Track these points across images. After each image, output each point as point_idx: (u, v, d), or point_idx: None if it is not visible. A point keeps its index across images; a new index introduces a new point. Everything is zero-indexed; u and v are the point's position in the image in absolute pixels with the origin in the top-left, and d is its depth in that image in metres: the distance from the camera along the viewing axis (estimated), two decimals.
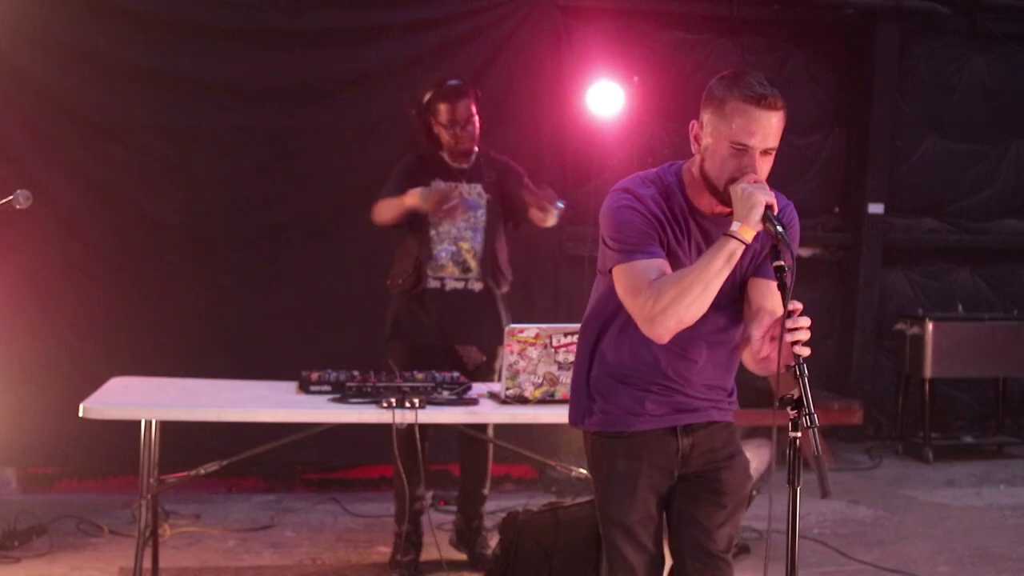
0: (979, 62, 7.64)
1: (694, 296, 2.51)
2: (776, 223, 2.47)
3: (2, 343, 5.51)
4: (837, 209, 7.67)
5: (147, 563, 4.18)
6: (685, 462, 2.80)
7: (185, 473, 4.21)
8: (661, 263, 2.60)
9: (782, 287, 2.45)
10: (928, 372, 7.08)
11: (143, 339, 5.72)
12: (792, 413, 2.38)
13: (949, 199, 7.77)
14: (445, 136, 4.61)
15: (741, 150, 2.54)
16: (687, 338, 2.66)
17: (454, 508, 5.12)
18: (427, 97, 4.64)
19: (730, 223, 2.57)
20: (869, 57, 7.39)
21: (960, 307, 7.43)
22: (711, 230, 2.67)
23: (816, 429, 2.34)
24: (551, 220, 4.65)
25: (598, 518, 2.85)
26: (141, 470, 3.96)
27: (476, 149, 4.66)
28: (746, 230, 2.50)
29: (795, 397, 2.38)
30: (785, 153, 8.96)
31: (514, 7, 6.19)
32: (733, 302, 2.72)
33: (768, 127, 2.54)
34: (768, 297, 2.67)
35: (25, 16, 5.58)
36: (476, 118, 4.63)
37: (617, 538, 2.78)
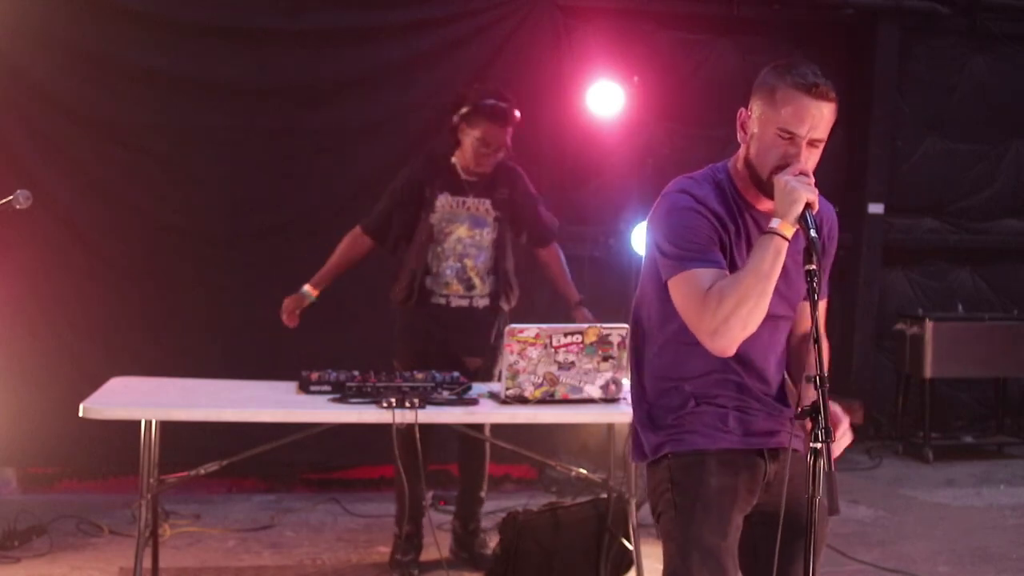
0: (979, 62, 7.64)
1: (754, 300, 2.39)
2: (811, 225, 2.40)
3: (2, 343, 5.51)
4: (837, 209, 7.62)
5: (147, 563, 4.18)
6: (768, 488, 2.63)
7: (185, 473, 4.21)
8: (719, 271, 2.47)
9: (811, 293, 2.37)
10: (928, 372, 7.08)
11: (143, 339, 5.72)
12: (810, 424, 2.34)
13: (949, 199, 7.77)
14: (469, 151, 4.51)
15: (788, 138, 2.46)
16: (753, 347, 2.56)
17: (454, 508, 5.12)
18: (470, 107, 4.49)
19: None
20: (869, 57, 7.39)
21: (960, 307, 7.43)
22: (764, 226, 2.55)
23: (829, 444, 2.31)
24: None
25: (671, 547, 2.57)
26: (141, 470, 3.96)
27: (489, 172, 4.58)
28: (786, 226, 2.41)
29: (811, 406, 2.35)
30: None
31: (514, 7, 6.19)
32: (789, 311, 2.65)
33: (818, 117, 2.45)
34: (803, 317, 2.65)
35: (25, 16, 5.58)
36: (508, 147, 4.55)
37: (694, 564, 2.51)
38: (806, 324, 2.65)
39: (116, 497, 5.48)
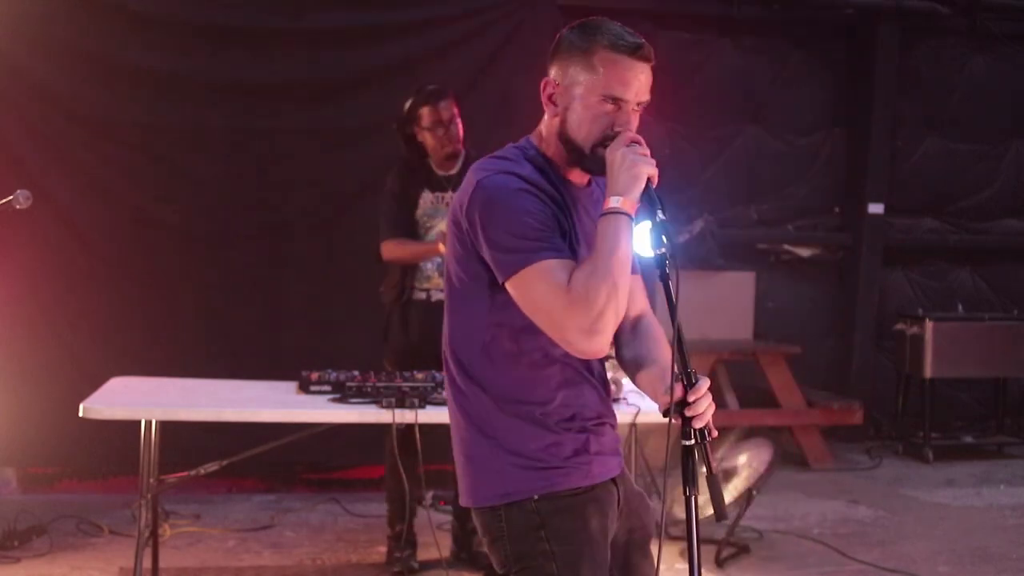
0: (979, 62, 7.64)
1: (621, 287, 2.06)
2: (657, 203, 2.12)
3: (2, 343, 5.51)
4: (837, 209, 7.67)
5: (147, 563, 4.18)
6: (620, 515, 2.34)
7: (185, 473, 4.21)
8: (570, 261, 2.12)
9: (664, 279, 2.08)
10: (928, 372, 7.08)
11: (143, 339, 5.72)
12: (677, 419, 2.08)
13: (949, 199, 7.78)
14: (430, 141, 4.60)
15: (614, 104, 2.20)
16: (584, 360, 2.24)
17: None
18: (407, 105, 4.64)
19: (595, 196, 2.26)
20: (869, 57, 7.39)
21: (960, 307, 7.43)
22: (586, 204, 2.31)
23: (708, 445, 2.08)
24: None
25: None
26: (141, 470, 3.96)
27: (462, 150, 4.64)
28: (628, 203, 2.10)
29: (678, 403, 2.07)
30: (785, 153, 9.04)
31: (514, 7, 6.19)
32: None
33: (644, 79, 2.21)
34: (636, 299, 2.35)
35: (25, 16, 5.58)
36: (459, 119, 4.62)
37: None
38: (635, 307, 2.37)
39: (116, 497, 5.48)
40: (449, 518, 5.05)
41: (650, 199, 2.13)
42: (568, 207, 2.24)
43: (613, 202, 2.12)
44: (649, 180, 2.14)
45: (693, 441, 2.08)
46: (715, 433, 2.11)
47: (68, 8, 5.68)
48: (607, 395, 2.35)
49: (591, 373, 2.30)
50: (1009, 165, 7.81)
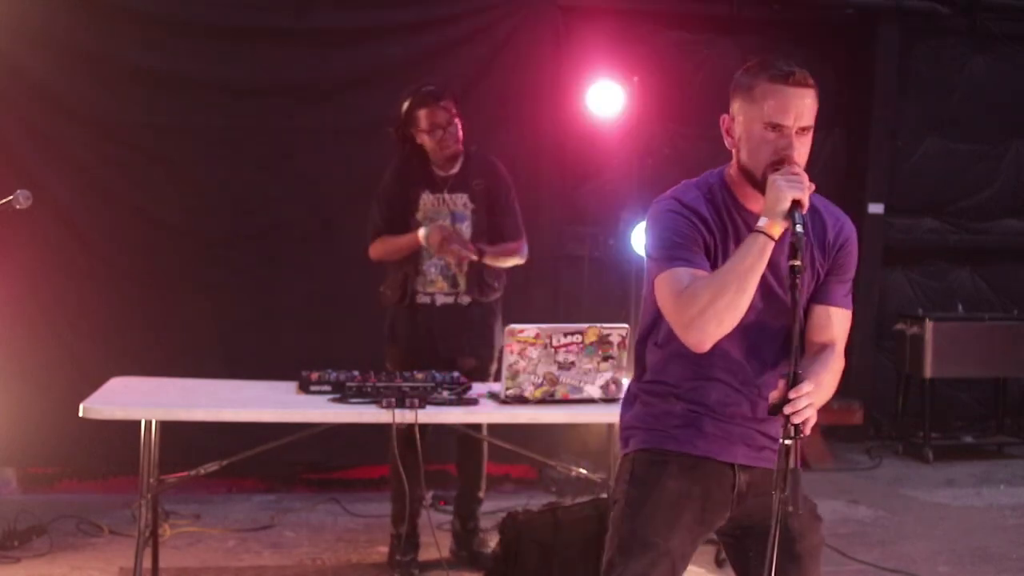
0: (979, 62, 7.64)
1: (731, 295, 2.37)
2: (798, 221, 2.36)
3: (2, 343, 5.51)
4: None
5: (147, 563, 4.18)
6: (740, 502, 2.61)
7: (185, 473, 4.21)
8: (700, 271, 2.46)
9: (792, 289, 2.34)
10: (928, 372, 7.08)
11: (143, 339, 5.71)
12: (782, 418, 2.29)
13: (949, 199, 7.77)
14: (428, 143, 4.55)
15: (776, 131, 2.45)
16: (749, 359, 2.56)
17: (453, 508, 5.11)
18: (404, 107, 4.57)
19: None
20: (869, 57, 7.39)
21: (960, 307, 7.43)
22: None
23: (797, 441, 2.27)
24: (516, 263, 4.71)
25: (614, 537, 2.57)
26: (141, 470, 3.96)
27: (461, 149, 4.61)
28: (772, 225, 2.38)
29: (780, 402, 2.29)
30: None
31: (514, 7, 6.19)
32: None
33: (801, 105, 2.45)
34: (827, 330, 2.61)
35: (25, 16, 5.58)
36: (457, 119, 4.57)
37: (632, 558, 2.50)
38: (825, 335, 2.63)
39: (116, 497, 5.47)
40: (449, 518, 5.05)
41: (792, 219, 2.36)
42: (731, 229, 2.54)
43: (760, 222, 2.41)
44: (797, 203, 2.37)
45: (791, 440, 2.27)
46: (806, 432, 2.29)
47: (68, 8, 5.68)
48: (757, 397, 2.57)
49: (730, 373, 2.57)
50: (1009, 165, 7.81)
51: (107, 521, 5.24)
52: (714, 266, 2.49)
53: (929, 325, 7.06)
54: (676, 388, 2.61)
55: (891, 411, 7.51)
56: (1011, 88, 7.66)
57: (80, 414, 3.79)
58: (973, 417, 7.75)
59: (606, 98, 6.00)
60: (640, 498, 2.56)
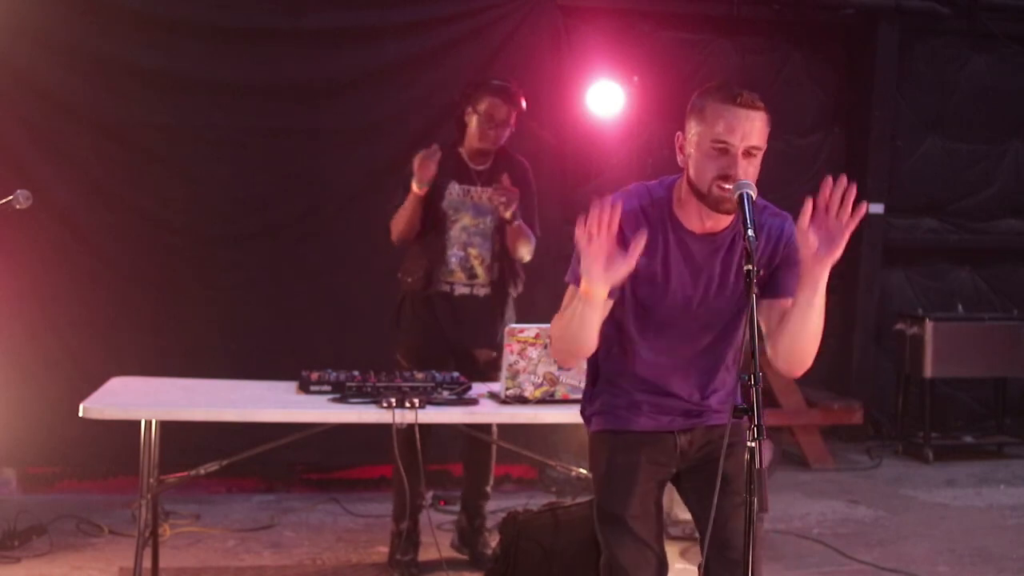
0: (979, 62, 7.64)
1: (566, 344, 2.65)
2: (749, 227, 2.44)
3: (2, 343, 5.51)
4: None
5: (147, 563, 4.19)
6: (684, 458, 2.85)
7: (185, 473, 4.21)
8: None
9: (748, 289, 2.40)
10: (928, 372, 7.08)
11: (143, 339, 5.71)
12: (747, 421, 2.35)
13: (949, 199, 7.78)
14: (474, 128, 4.55)
15: (722, 149, 2.54)
16: (669, 355, 2.76)
17: (455, 508, 5.11)
18: (475, 84, 4.61)
19: (717, 243, 2.65)
20: (869, 57, 7.39)
21: (960, 307, 7.43)
22: (692, 248, 2.68)
23: (761, 443, 2.33)
24: (523, 255, 4.67)
25: (595, 520, 2.86)
26: (141, 470, 3.96)
27: (494, 152, 4.61)
28: (593, 290, 2.53)
29: (748, 406, 2.35)
30: (785, 153, 9.02)
31: (514, 7, 6.19)
32: (732, 318, 2.74)
33: (748, 126, 2.54)
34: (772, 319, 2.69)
35: (25, 16, 5.58)
36: (513, 126, 4.58)
37: (611, 535, 2.79)
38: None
39: (116, 497, 5.48)
40: (449, 518, 5.05)
41: (746, 226, 2.45)
42: (661, 243, 2.66)
43: (582, 286, 2.56)
44: (747, 197, 2.48)
45: (754, 443, 2.33)
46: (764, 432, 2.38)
47: (69, 8, 5.68)
48: (701, 390, 2.80)
49: (654, 365, 2.78)
50: (1009, 165, 7.81)
51: (107, 521, 5.24)
52: (634, 279, 2.60)
53: (929, 325, 7.06)
54: (620, 379, 2.82)
55: (891, 411, 7.52)
56: (1011, 88, 7.66)
57: (80, 414, 3.79)
58: (973, 417, 7.76)
59: (606, 98, 6.00)
60: (597, 477, 2.89)
